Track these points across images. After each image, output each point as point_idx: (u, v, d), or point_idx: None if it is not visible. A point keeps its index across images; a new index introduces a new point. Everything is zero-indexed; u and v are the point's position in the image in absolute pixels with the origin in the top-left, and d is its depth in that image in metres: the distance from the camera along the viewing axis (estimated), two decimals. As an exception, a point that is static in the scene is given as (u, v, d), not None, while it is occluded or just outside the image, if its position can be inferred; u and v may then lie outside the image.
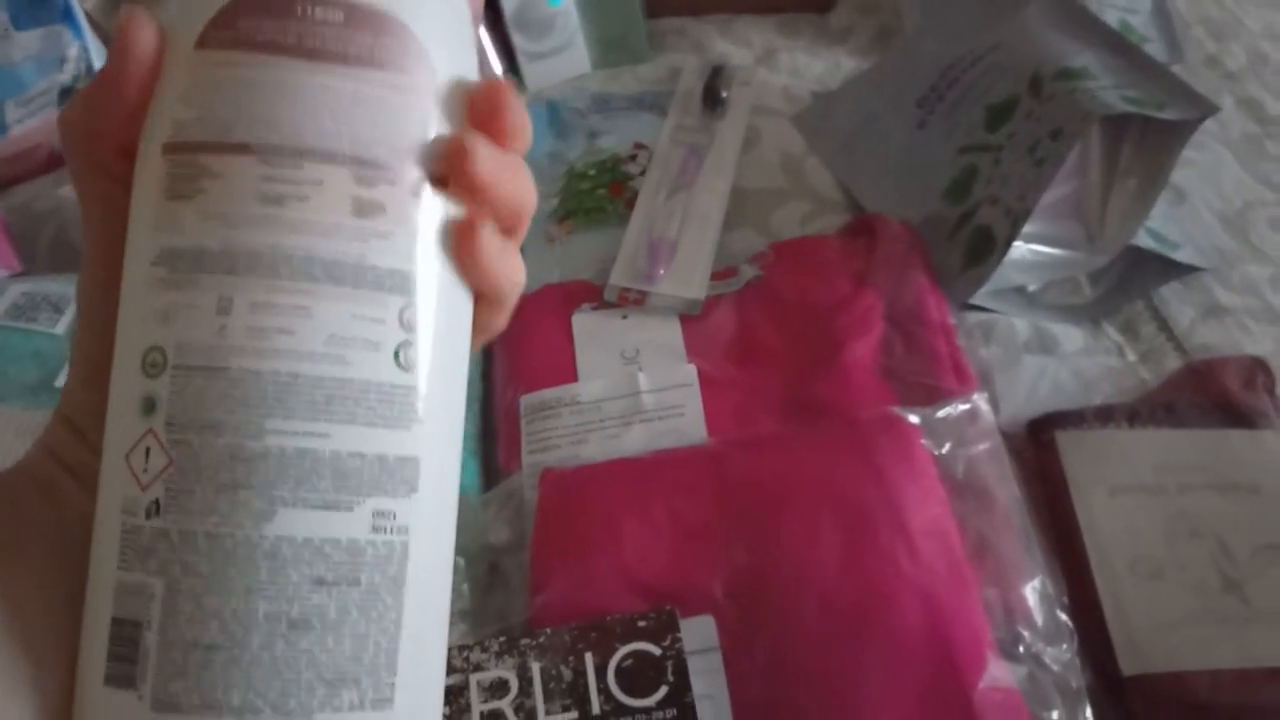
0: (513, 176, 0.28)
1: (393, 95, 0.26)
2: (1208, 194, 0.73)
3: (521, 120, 0.28)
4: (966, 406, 0.53)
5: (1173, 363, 0.62)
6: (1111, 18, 0.74)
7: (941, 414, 0.53)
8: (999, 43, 0.67)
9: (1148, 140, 0.60)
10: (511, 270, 0.29)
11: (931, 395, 0.56)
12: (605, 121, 0.79)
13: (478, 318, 0.29)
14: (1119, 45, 0.63)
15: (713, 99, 0.79)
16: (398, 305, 0.26)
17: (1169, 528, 0.52)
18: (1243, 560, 0.51)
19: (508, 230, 0.29)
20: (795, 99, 0.83)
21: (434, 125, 0.27)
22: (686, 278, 0.64)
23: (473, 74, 0.29)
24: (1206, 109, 0.57)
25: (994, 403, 0.59)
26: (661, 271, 0.64)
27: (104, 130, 0.27)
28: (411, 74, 0.27)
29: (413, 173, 0.26)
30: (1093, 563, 0.51)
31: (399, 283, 0.26)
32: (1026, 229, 0.61)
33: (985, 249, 0.61)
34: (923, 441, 0.52)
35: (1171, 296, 0.66)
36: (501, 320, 0.30)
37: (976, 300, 0.63)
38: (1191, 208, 0.72)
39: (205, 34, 0.26)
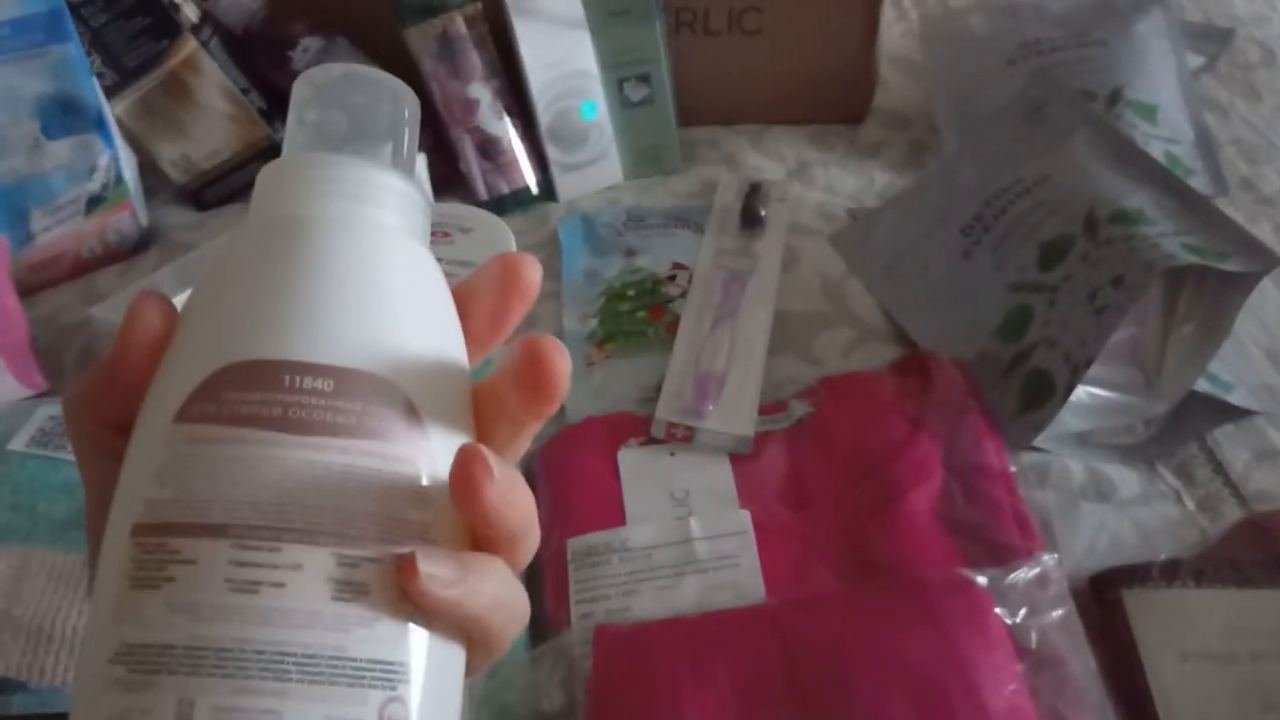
0: (518, 497, 0.26)
1: (384, 465, 0.25)
2: (1253, 329, 0.73)
3: (562, 372, 0.26)
4: (1037, 570, 0.52)
5: (1231, 509, 0.61)
6: (1156, 150, 0.73)
7: (1011, 578, 0.51)
8: (1046, 175, 0.67)
9: (1206, 287, 0.59)
10: (513, 612, 0.26)
11: (993, 550, 0.55)
12: (641, 239, 0.78)
13: (470, 659, 0.26)
14: (1171, 185, 0.63)
15: (751, 218, 0.78)
16: (379, 700, 0.23)
17: (1242, 699, 0.50)
18: (1322, 739, 0.49)
19: (513, 563, 0.27)
20: (831, 217, 0.82)
21: (427, 487, 0.25)
22: (735, 413, 0.63)
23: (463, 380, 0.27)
24: (1270, 261, 0.56)
25: (1055, 554, 0.58)
26: (710, 406, 0.63)
27: (101, 409, 0.26)
28: (404, 440, 0.25)
29: (403, 545, 0.24)
30: (1168, 736, 0.49)
31: (381, 675, 0.24)
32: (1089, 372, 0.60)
33: (1043, 393, 0.60)
34: (996, 609, 0.50)
35: (1224, 439, 0.65)
36: (495, 654, 0.28)
37: (1036, 443, 0.62)
38: (1238, 344, 0.72)
39: (185, 407, 0.24)
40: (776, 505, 0.58)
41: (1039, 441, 0.62)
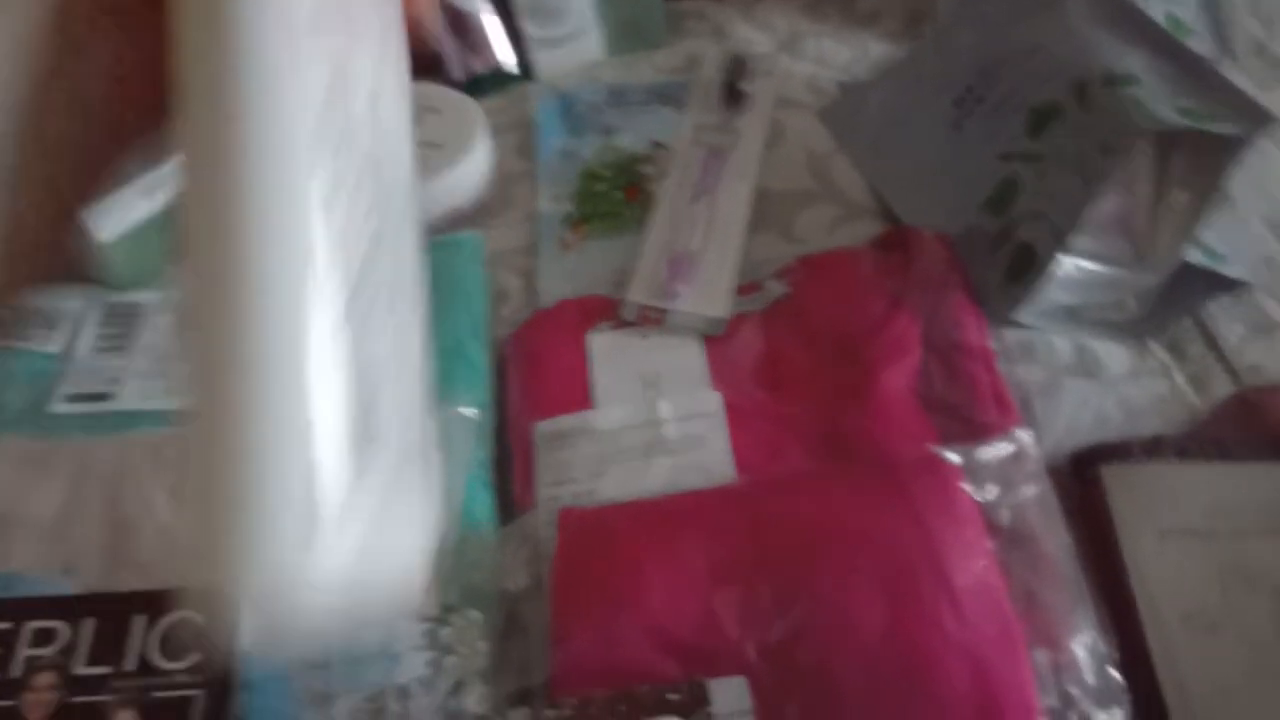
0: None
1: None
2: (1255, 199, 0.70)
3: None
4: (1012, 447, 0.50)
5: (1222, 385, 0.59)
6: (1157, 10, 0.69)
7: (985, 454, 0.50)
8: (1039, 44, 0.63)
9: (1200, 152, 0.56)
10: None
11: (971, 427, 0.53)
12: (621, 117, 0.76)
13: None
14: (1168, 46, 0.59)
15: (733, 94, 0.75)
16: None
17: (1223, 577, 0.49)
18: (1302, 616, 0.48)
19: None
20: (821, 91, 0.79)
21: None
22: (710, 294, 0.61)
23: None
24: (1263, 120, 0.53)
25: (1035, 433, 0.56)
26: (682, 287, 0.61)
27: None
28: None
29: None
30: (1144, 615, 0.48)
31: None
32: (1074, 242, 0.58)
33: (1027, 266, 0.58)
34: (965, 486, 0.49)
35: (1220, 313, 0.63)
36: None
37: (1022, 319, 0.60)
38: (1238, 214, 0.69)
39: None
40: (750, 386, 0.57)
41: (1025, 318, 0.60)
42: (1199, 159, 0.57)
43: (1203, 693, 0.46)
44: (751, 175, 0.69)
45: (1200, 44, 0.72)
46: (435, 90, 0.73)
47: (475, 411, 0.56)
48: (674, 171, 0.69)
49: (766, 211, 0.70)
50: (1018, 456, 0.51)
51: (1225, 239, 0.63)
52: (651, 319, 0.60)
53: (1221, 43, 0.73)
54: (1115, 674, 0.46)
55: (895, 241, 0.62)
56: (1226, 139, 0.54)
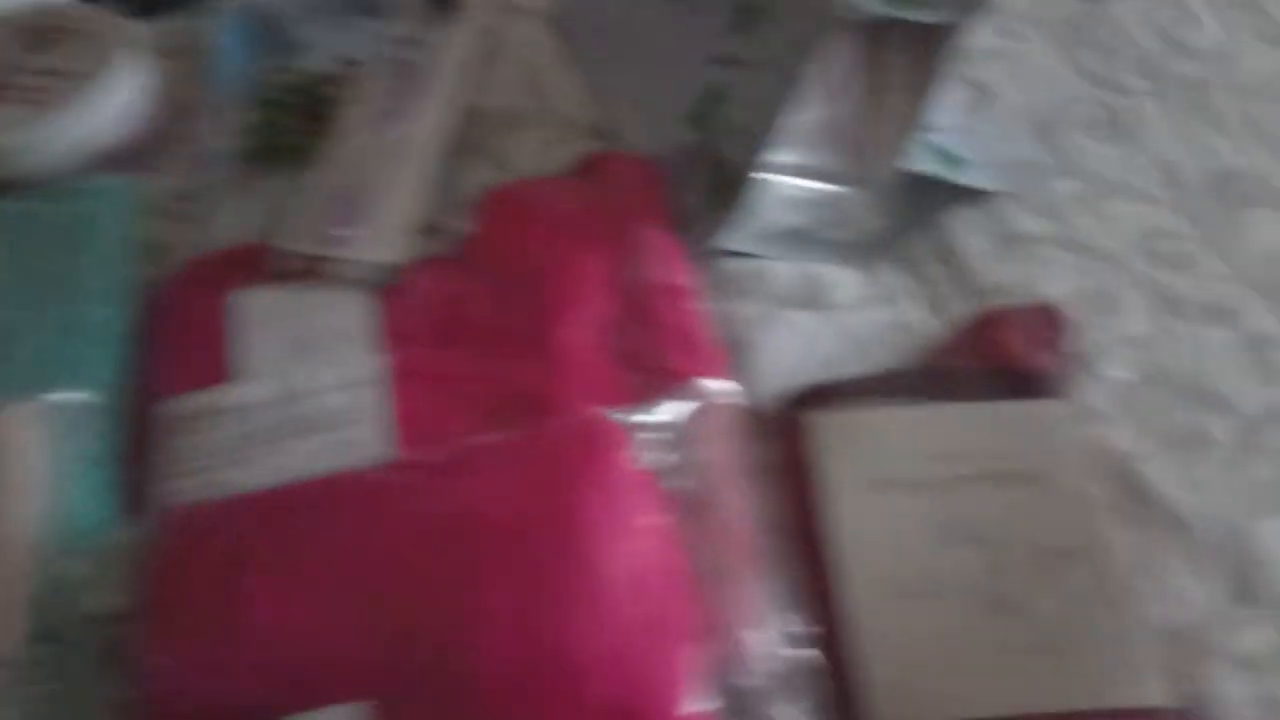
0: None
1: None
2: (1018, 93, 0.63)
3: None
4: (695, 402, 0.43)
5: (958, 310, 0.53)
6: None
7: (662, 414, 0.43)
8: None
9: (915, 45, 0.49)
10: None
11: (665, 379, 0.46)
12: (313, 32, 0.66)
13: None
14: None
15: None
16: None
17: (936, 533, 0.44)
18: (1018, 572, 0.42)
19: None
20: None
21: None
22: (381, 237, 0.52)
23: None
24: (973, 4, 0.46)
25: (750, 377, 0.49)
26: (348, 231, 0.52)
27: None
28: None
29: None
30: (843, 585, 0.42)
31: None
32: (786, 160, 0.51)
33: (728, 187, 0.50)
34: (631, 453, 0.42)
35: (963, 227, 0.56)
36: None
37: (737, 246, 0.53)
38: (999, 111, 0.62)
39: None
40: (425, 344, 0.49)
41: (740, 244, 0.53)
42: (915, 53, 0.50)
43: (904, 673, 0.40)
44: (450, 95, 0.60)
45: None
46: (69, 8, 0.62)
47: (84, 396, 0.47)
48: (358, 94, 0.60)
49: (476, 135, 0.61)
50: (705, 411, 0.44)
51: (972, 142, 0.57)
52: (308, 270, 0.51)
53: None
54: (808, 658, 0.40)
55: (592, 168, 0.54)
56: (937, 28, 0.47)
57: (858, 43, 0.49)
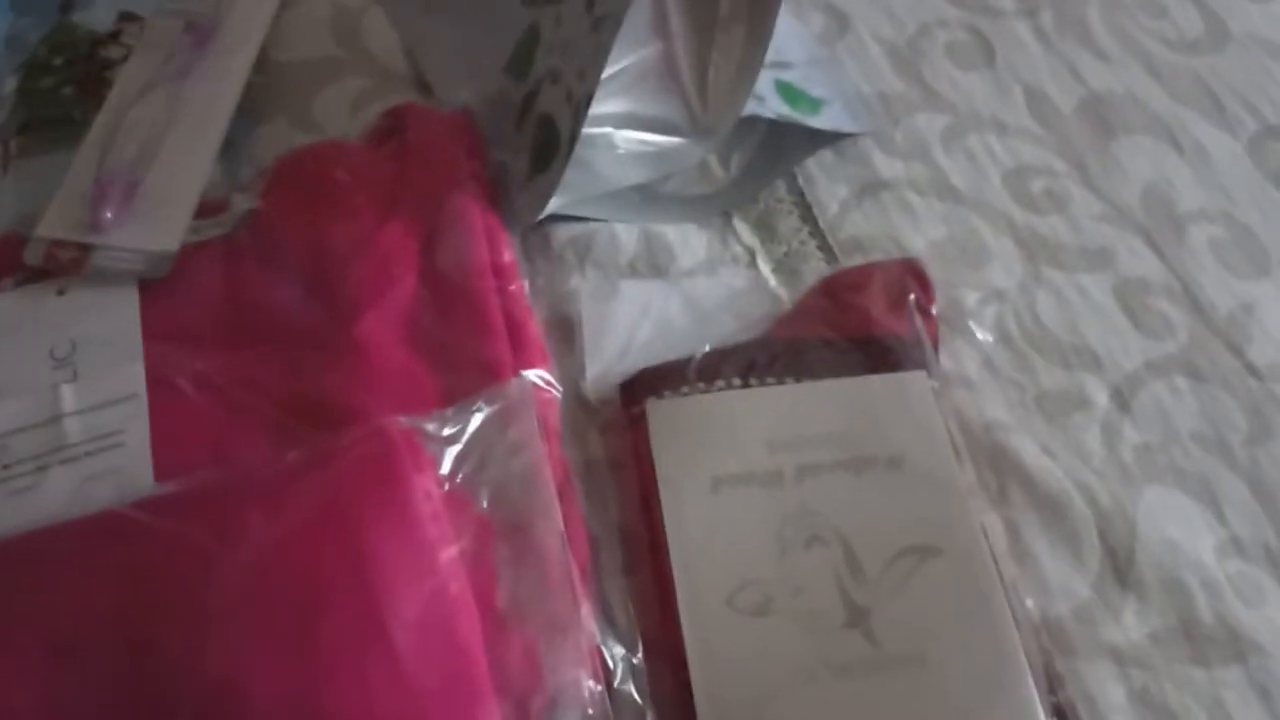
0: None
1: None
2: (876, 19, 0.58)
3: None
4: (497, 405, 0.38)
5: (814, 269, 0.48)
6: None
7: (473, 421, 0.37)
8: None
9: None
10: None
11: (480, 378, 0.41)
12: (86, -19, 0.57)
13: None
14: None
15: None
16: None
17: (784, 533, 0.39)
18: (873, 575, 0.38)
19: None
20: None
21: None
22: (152, 220, 0.45)
23: None
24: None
25: (582, 359, 0.44)
26: (114, 215, 0.45)
27: None
28: None
29: None
30: (679, 598, 0.37)
31: None
32: (615, 110, 0.45)
33: (550, 147, 0.44)
34: (433, 474, 0.36)
35: (820, 173, 0.51)
36: None
37: (566, 210, 0.47)
38: (856, 40, 0.57)
39: None
40: (203, 346, 0.42)
41: (584, 209, 0.47)
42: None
43: (744, 702, 0.36)
44: (247, 49, 0.52)
45: None
46: None
47: None
48: (135, 54, 0.52)
49: (279, 91, 0.54)
50: (513, 412, 0.38)
51: (822, 76, 0.52)
52: (66, 262, 0.44)
53: None
54: (636, 696, 0.35)
55: (393, 127, 0.47)
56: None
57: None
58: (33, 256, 0.44)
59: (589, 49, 0.41)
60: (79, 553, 0.35)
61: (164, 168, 0.47)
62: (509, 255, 0.44)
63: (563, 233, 0.48)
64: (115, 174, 0.46)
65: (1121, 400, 0.45)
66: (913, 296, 0.44)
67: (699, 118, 0.46)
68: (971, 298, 0.47)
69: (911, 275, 0.45)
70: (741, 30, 0.44)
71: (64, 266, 0.44)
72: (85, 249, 0.44)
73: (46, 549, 0.35)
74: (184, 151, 0.48)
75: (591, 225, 0.48)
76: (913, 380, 0.42)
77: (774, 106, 0.47)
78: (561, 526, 0.36)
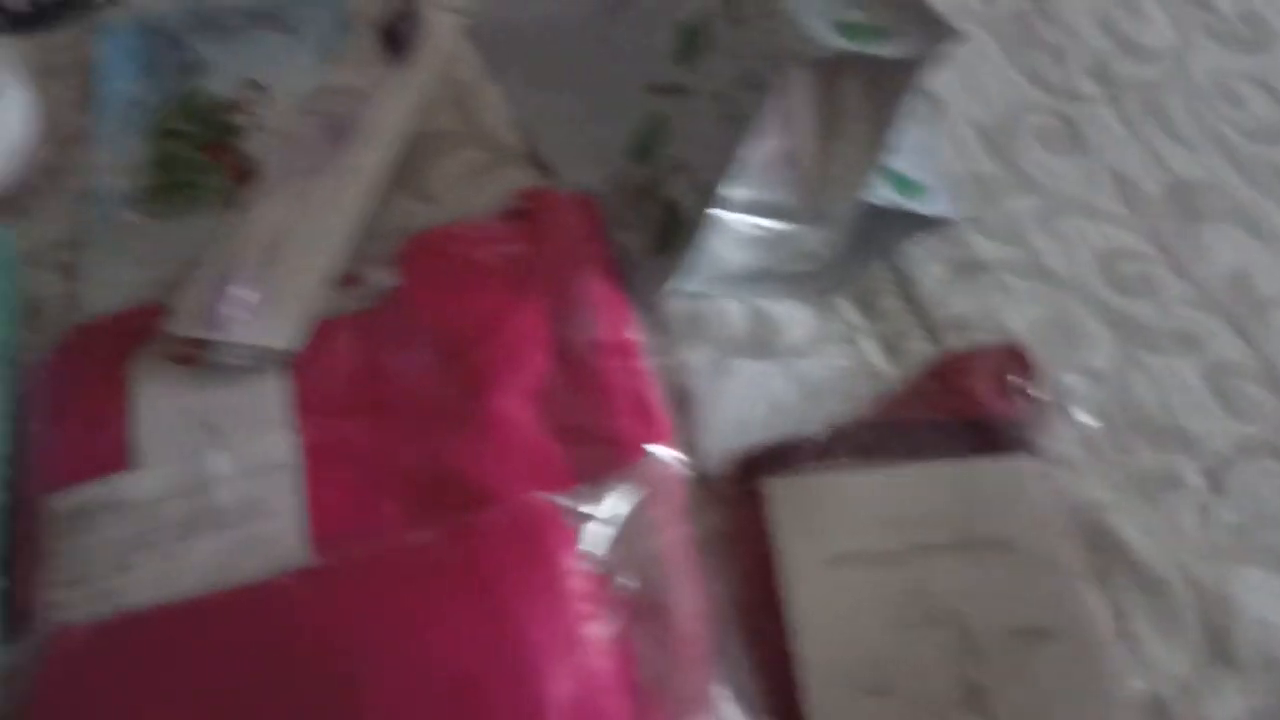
0: None
1: None
2: (967, 103, 0.60)
3: None
4: (634, 482, 0.40)
5: (919, 347, 0.50)
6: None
7: (607, 500, 0.39)
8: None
9: (873, 74, 0.45)
10: None
11: (608, 449, 0.43)
12: (211, 48, 0.60)
13: None
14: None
15: (394, 39, 0.59)
16: None
17: (901, 612, 0.41)
18: (990, 653, 0.40)
19: None
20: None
21: None
22: (276, 316, 0.47)
23: None
24: (939, 34, 0.42)
25: (697, 433, 0.46)
26: (236, 311, 0.46)
27: None
28: None
29: None
30: (801, 675, 0.39)
31: None
32: (734, 194, 0.47)
33: (674, 230, 0.46)
34: (576, 551, 0.38)
35: (919, 252, 0.53)
36: None
37: (682, 289, 0.49)
38: (948, 122, 0.59)
39: None
40: (341, 416, 0.44)
41: (687, 287, 0.49)
42: (872, 82, 0.46)
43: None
44: (376, 154, 0.54)
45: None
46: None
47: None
48: (272, 150, 0.54)
49: (396, 161, 0.56)
50: (652, 491, 0.40)
51: (923, 161, 0.53)
52: (192, 356, 0.46)
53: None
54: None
55: (525, 208, 0.50)
56: (899, 62, 0.43)
57: (813, 73, 0.45)
58: (161, 349, 0.46)
59: (718, 143, 0.44)
60: (234, 624, 0.37)
61: (289, 266, 0.48)
62: (633, 333, 0.46)
63: (674, 307, 0.50)
64: (241, 270, 0.48)
65: (1215, 481, 0.47)
66: (1017, 380, 0.46)
67: (815, 205, 0.48)
68: (1070, 380, 0.49)
69: (1015, 359, 0.47)
70: (860, 128, 0.46)
71: (189, 359, 0.46)
72: (204, 346, 0.46)
73: (201, 618, 0.37)
74: (309, 250, 0.49)
75: (701, 300, 0.50)
76: (1020, 463, 0.44)
77: (880, 192, 0.49)
78: (698, 603, 0.38)
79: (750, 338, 0.50)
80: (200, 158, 0.55)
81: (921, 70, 0.43)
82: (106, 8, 0.64)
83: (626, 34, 0.53)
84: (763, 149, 0.46)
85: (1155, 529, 0.45)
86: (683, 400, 0.47)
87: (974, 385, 0.46)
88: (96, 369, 0.46)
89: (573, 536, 0.38)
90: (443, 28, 0.61)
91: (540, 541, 0.37)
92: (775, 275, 0.51)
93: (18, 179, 0.54)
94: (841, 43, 0.42)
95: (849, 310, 0.51)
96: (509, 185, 0.55)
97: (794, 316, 0.51)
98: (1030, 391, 0.46)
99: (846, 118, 0.47)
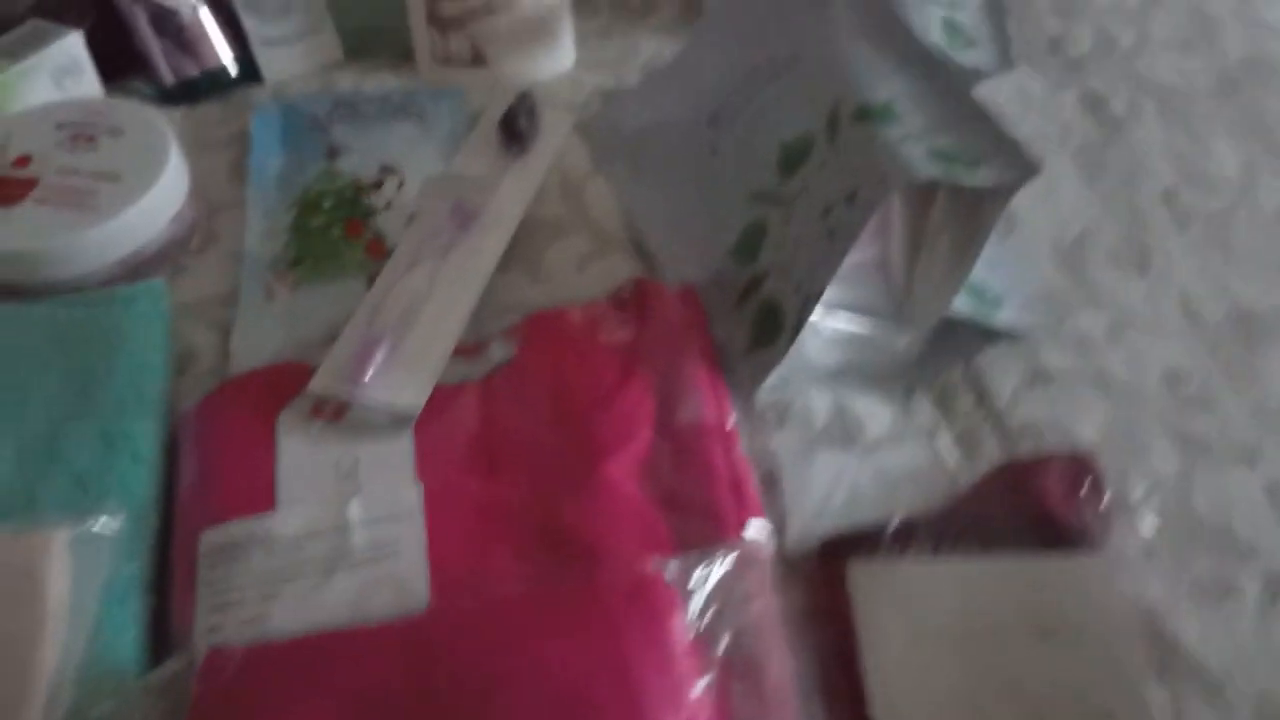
0: None
1: None
2: (1041, 221, 0.64)
3: None
4: (735, 554, 0.44)
5: (991, 447, 0.54)
6: (934, 16, 0.63)
7: (708, 568, 0.43)
8: (797, 55, 0.56)
9: (962, 197, 0.50)
10: None
11: (704, 522, 0.47)
12: (350, 133, 0.66)
13: None
14: (931, 69, 0.52)
15: (513, 133, 0.65)
16: None
17: (976, 691, 0.44)
18: (1060, 733, 0.43)
19: None
20: (585, 96, 0.71)
21: None
22: (405, 378, 0.52)
23: None
24: (1026, 170, 0.47)
25: (780, 514, 0.50)
26: (369, 374, 0.52)
27: None
28: None
29: None
30: (882, 745, 0.43)
31: None
32: (829, 296, 0.52)
33: (773, 328, 0.51)
34: (683, 615, 0.42)
35: (993, 358, 0.57)
36: None
37: (774, 382, 0.53)
38: (1022, 237, 0.63)
39: None
40: (461, 471, 0.49)
41: (782, 381, 0.53)
42: (961, 204, 0.50)
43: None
44: (498, 236, 0.59)
45: (981, 55, 0.66)
46: (119, 106, 0.62)
47: (117, 522, 0.47)
48: (409, 229, 0.60)
49: (514, 242, 0.61)
50: (747, 563, 0.44)
51: (1001, 273, 0.58)
52: (330, 413, 0.51)
53: (1002, 53, 0.67)
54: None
55: (633, 296, 0.54)
56: (987, 190, 0.48)
57: (907, 193, 0.50)
58: (304, 404, 0.51)
59: (821, 252, 0.48)
60: (374, 655, 0.41)
61: (419, 335, 0.54)
62: (732, 420, 0.50)
63: (764, 396, 0.54)
64: (378, 338, 0.53)
65: (1273, 590, 0.50)
66: (1085, 486, 0.50)
67: (902, 311, 0.53)
68: (1134, 487, 0.52)
69: (1084, 466, 0.51)
70: (947, 241, 0.51)
71: (326, 417, 0.51)
72: (344, 405, 0.51)
73: (344, 648, 0.42)
74: (438, 320, 0.55)
75: (789, 391, 0.55)
76: (1088, 563, 0.47)
77: (959, 302, 0.54)
78: (786, 669, 0.42)
79: (833, 429, 0.54)
80: (340, 232, 0.61)
81: (1007, 199, 0.47)
82: (249, 86, 0.71)
83: (731, 145, 0.58)
84: (857, 256, 0.50)
85: (1214, 633, 0.48)
86: (770, 483, 0.51)
87: (1043, 487, 0.50)
88: (247, 419, 0.51)
89: (678, 598, 0.42)
90: (556, 123, 0.67)
91: (652, 601, 0.41)
92: (858, 371, 0.56)
93: (176, 240, 0.60)
94: (937, 171, 0.46)
95: (926, 408, 0.55)
96: (613, 271, 0.60)
97: (874, 411, 0.55)
98: (1096, 496, 0.50)
99: (935, 233, 0.51)
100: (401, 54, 0.73)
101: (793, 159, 0.53)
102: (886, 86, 0.52)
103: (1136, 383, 0.57)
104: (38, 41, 0.64)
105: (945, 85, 0.52)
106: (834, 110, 0.52)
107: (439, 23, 0.69)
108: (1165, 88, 0.73)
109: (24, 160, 0.58)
